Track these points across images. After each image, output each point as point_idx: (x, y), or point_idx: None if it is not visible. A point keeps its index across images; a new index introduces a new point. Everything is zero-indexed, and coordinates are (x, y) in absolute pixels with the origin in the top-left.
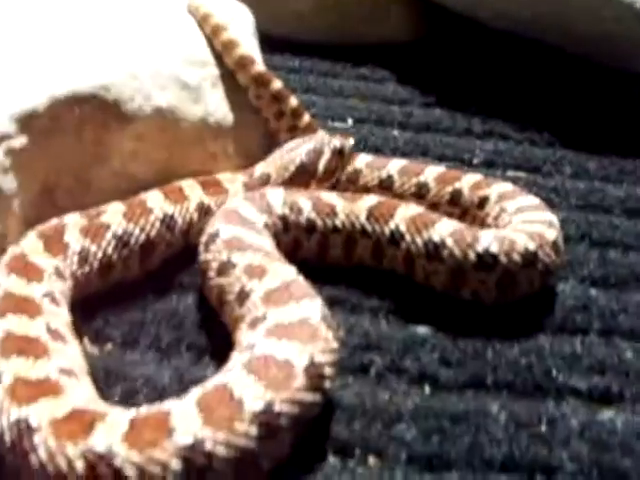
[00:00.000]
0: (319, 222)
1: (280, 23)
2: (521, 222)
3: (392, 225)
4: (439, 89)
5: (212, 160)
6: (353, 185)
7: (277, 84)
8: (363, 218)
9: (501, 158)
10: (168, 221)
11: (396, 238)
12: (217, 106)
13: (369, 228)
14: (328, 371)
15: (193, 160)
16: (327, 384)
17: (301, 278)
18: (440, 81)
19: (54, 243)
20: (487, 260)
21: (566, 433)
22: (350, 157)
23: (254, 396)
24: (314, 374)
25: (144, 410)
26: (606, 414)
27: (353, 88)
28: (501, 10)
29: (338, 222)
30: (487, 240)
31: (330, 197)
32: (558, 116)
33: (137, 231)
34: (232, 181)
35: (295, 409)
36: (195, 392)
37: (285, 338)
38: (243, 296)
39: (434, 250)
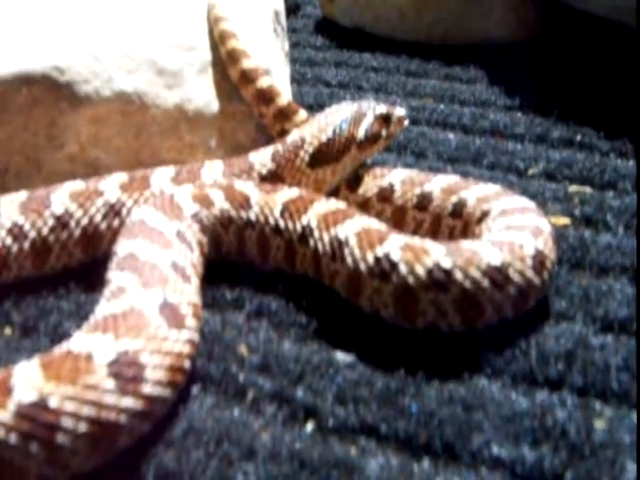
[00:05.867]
0: (233, 212)
1: (381, 21)
2: (498, 230)
3: (304, 221)
4: (529, 92)
5: (189, 150)
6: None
7: (265, 81)
8: (277, 213)
9: (567, 169)
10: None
11: (306, 235)
12: (199, 93)
13: (282, 224)
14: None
15: (166, 149)
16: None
17: (150, 308)
18: (535, 84)
19: None
20: (385, 267)
21: None
22: (399, 125)
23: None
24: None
25: None
26: None
27: (431, 88)
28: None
29: (252, 215)
30: (439, 253)
31: (245, 187)
32: None
33: (80, 214)
34: (211, 169)
35: None
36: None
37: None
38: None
39: (338, 249)
